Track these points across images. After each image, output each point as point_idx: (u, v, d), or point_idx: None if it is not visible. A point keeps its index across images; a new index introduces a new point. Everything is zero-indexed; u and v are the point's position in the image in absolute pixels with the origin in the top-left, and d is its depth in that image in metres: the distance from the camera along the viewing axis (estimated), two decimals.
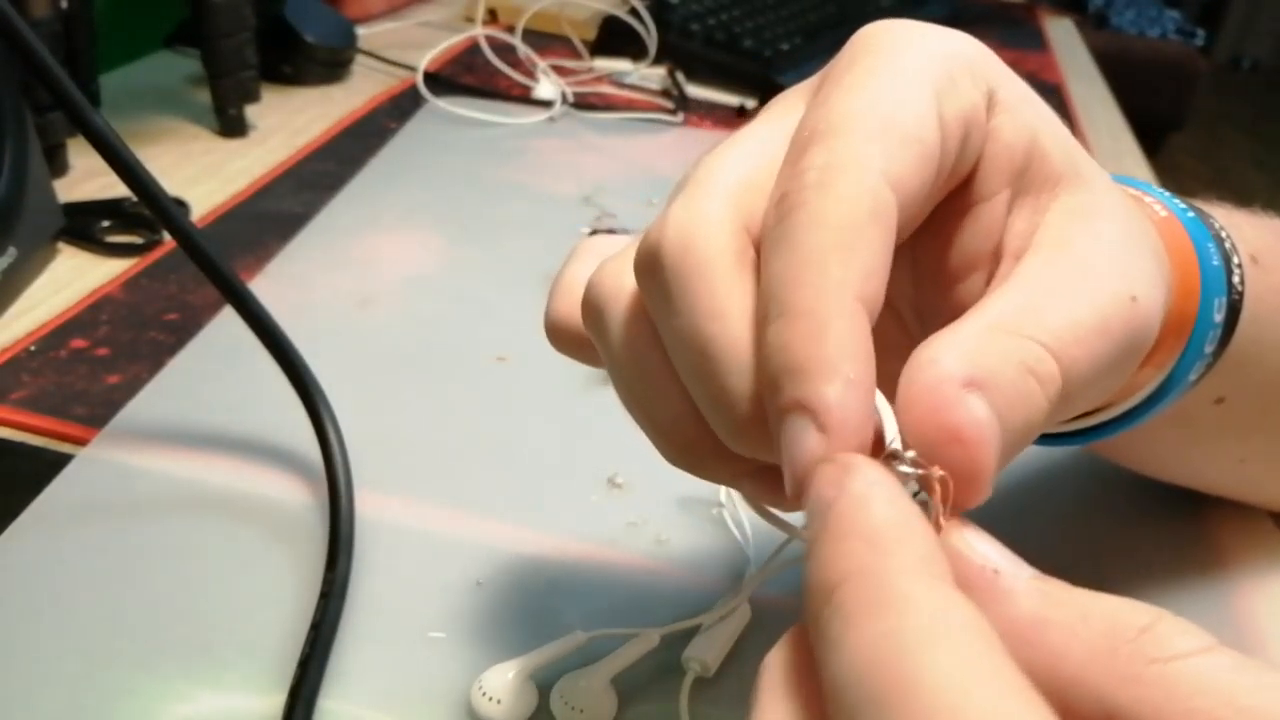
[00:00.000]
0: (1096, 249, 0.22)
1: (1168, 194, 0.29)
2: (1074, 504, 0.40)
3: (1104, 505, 0.41)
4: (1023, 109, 0.23)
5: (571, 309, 0.26)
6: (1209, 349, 0.27)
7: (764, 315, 0.19)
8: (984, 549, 0.17)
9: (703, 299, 0.20)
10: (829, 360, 0.18)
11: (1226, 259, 0.27)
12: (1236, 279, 0.27)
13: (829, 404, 0.18)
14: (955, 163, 0.22)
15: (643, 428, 0.24)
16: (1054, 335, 0.20)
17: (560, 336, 0.28)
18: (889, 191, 0.19)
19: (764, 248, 0.20)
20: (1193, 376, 0.27)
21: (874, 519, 0.16)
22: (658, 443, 0.24)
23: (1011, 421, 0.19)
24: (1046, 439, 0.29)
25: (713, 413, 0.21)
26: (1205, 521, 0.40)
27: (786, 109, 0.23)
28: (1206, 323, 0.26)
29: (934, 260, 0.24)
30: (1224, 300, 0.27)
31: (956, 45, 0.22)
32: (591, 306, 0.24)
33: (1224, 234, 0.28)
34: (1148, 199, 0.28)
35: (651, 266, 0.21)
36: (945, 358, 0.18)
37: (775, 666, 0.17)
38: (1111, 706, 0.15)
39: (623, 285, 0.23)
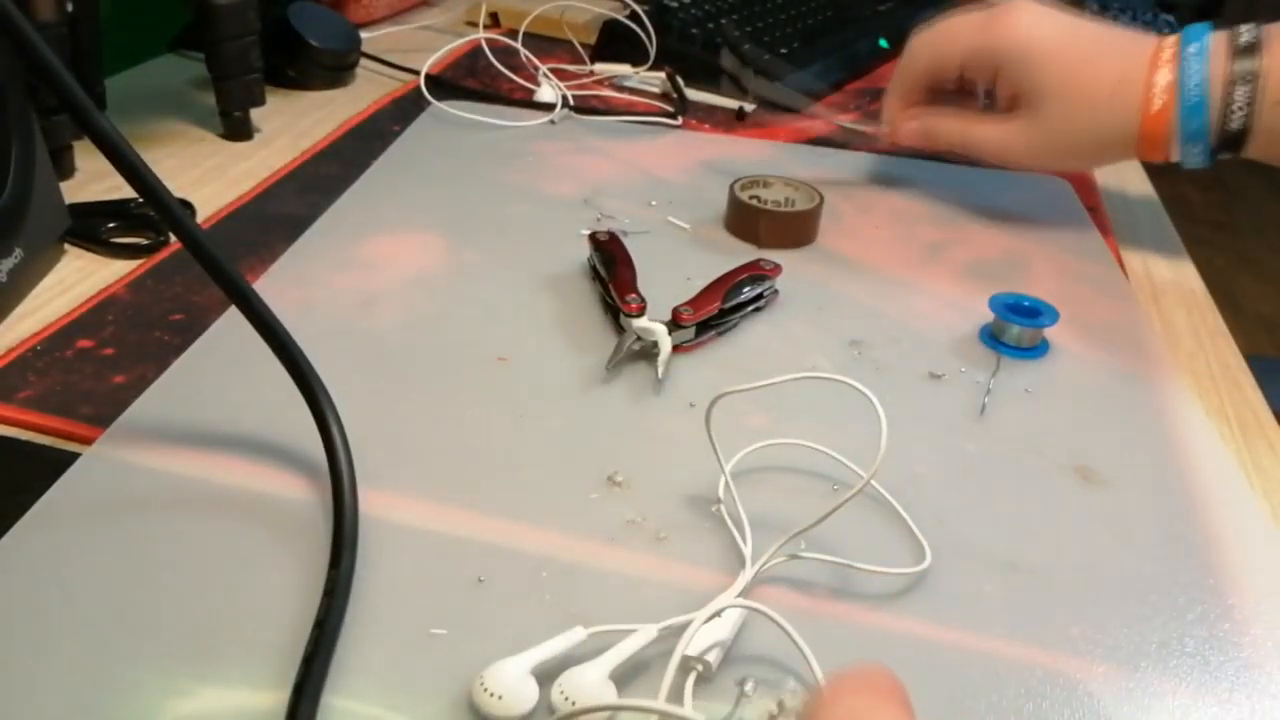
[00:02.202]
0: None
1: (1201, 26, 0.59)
2: (1068, 509, 0.41)
3: (1101, 510, 0.41)
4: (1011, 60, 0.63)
5: None
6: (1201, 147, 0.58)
7: None
8: None
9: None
10: (889, 108, 0.68)
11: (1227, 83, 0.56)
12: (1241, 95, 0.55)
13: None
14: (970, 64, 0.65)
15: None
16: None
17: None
18: (924, 68, 0.65)
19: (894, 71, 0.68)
20: (1199, 161, 0.59)
21: None
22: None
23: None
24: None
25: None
26: (1205, 527, 0.40)
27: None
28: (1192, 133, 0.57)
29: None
30: (1204, 117, 0.57)
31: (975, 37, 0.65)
32: None
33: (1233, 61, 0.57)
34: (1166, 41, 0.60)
35: None
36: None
37: None
38: None
39: None
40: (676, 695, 0.31)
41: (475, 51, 0.89)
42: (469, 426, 0.42)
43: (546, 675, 0.30)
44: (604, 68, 0.86)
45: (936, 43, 0.64)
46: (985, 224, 0.65)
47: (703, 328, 0.49)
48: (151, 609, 0.32)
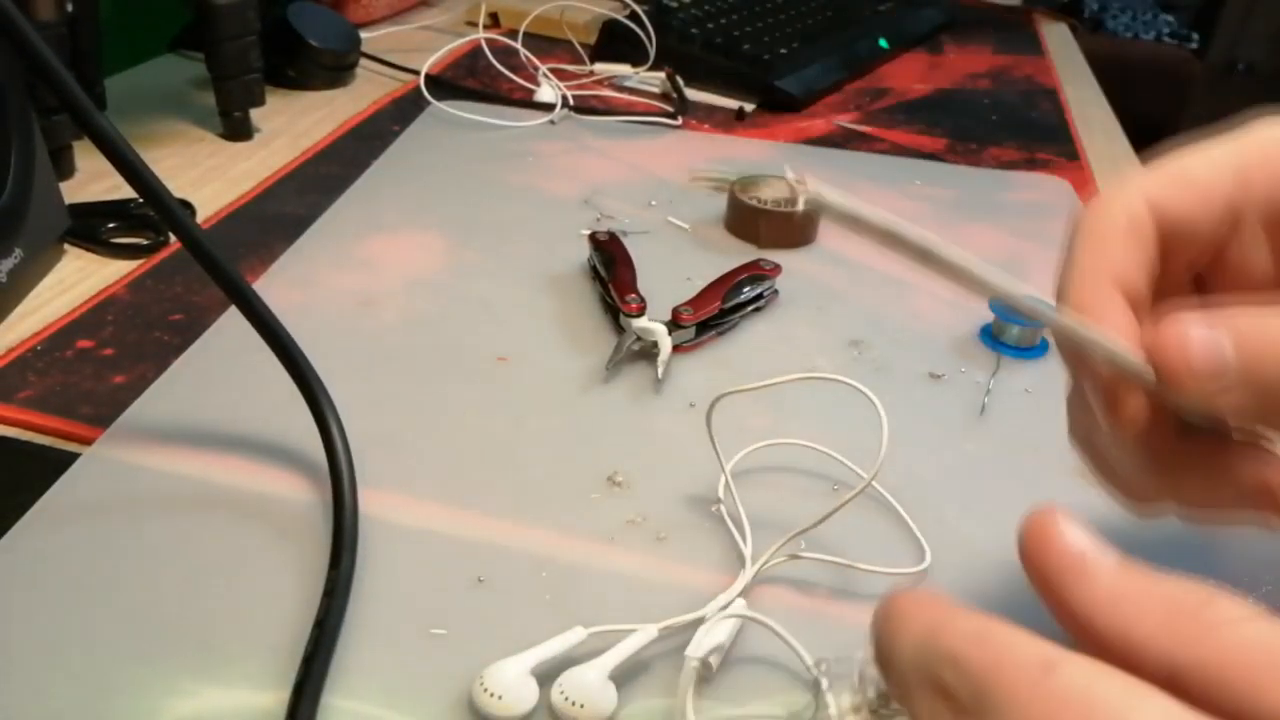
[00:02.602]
0: None
1: None
2: None
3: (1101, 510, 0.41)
4: None
5: None
6: None
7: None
8: (1074, 536, 0.20)
9: None
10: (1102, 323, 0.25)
11: None
12: None
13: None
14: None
15: None
16: None
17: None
18: (1148, 215, 0.27)
19: (1067, 247, 0.29)
20: None
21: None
22: None
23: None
24: None
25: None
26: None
27: None
28: None
29: None
30: None
31: None
32: None
33: None
34: None
35: None
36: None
37: None
38: (1174, 667, 0.18)
39: None
40: (676, 694, 0.31)
41: (475, 51, 0.89)
42: (469, 426, 0.42)
43: (546, 675, 0.30)
44: (604, 68, 0.86)
45: (1169, 191, 0.28)
46: (985, 224, 0.65)
47: (703, 328, 0.49)
48: (151, 609, 0.32)
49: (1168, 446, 0.26)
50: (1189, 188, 0.27)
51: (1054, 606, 0.20)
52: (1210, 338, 0.23)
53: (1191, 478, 0.26)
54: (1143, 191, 0.27)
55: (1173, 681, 0.17)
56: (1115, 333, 0.25)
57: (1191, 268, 0.28)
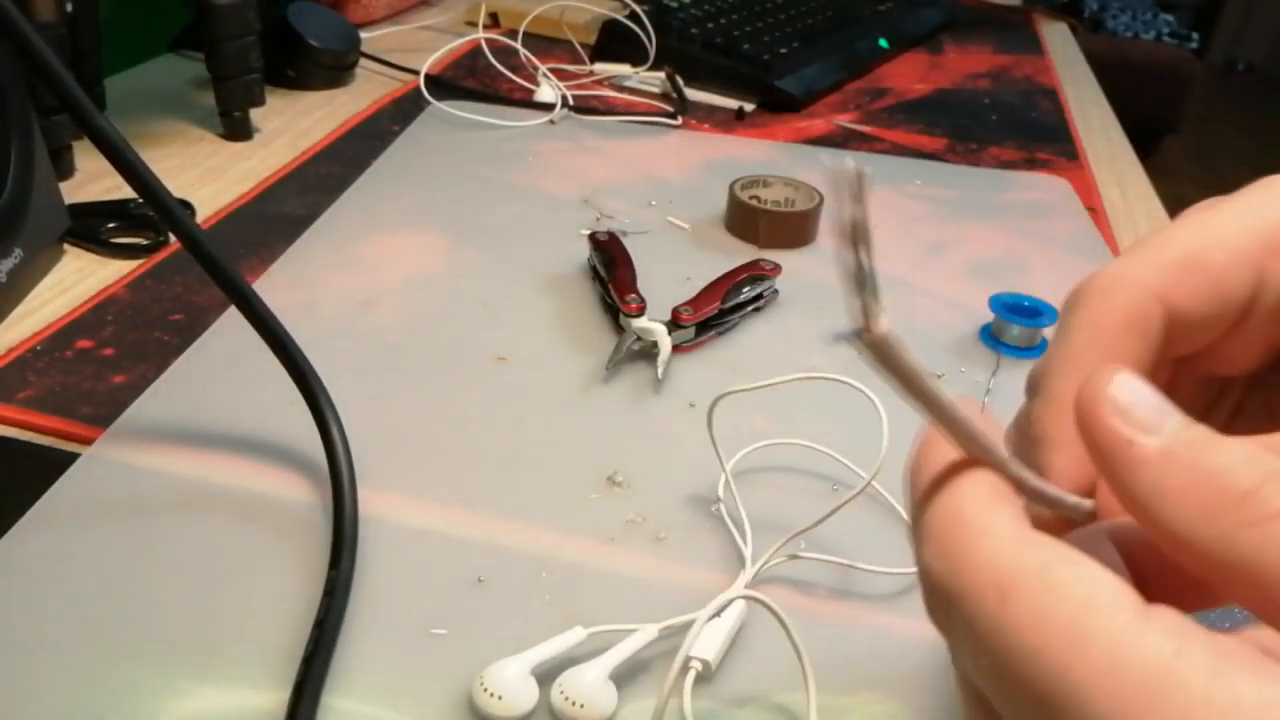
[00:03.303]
0: None
1: None
2: None
3: None
4: None
5: None
6: None
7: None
8: (1122, 408, 0.19)
9: None
10: (1063, 439, 0.22)
11: None
12: None
13: (1053, 472, 0.22)
14: None
15: None
16: None
17: None
18: (1156, 307, 0.23)
19: (1055, 333, 0.25)
20: None
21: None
22: None
23: None
24: None
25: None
26: None
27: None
28: None
29: None
30: None
31: None
32: None
33: None
34: None
35: None
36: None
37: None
38: (1216, 560, 0.17)
39: None
40: (676, 694, 0.31)
41: (475, 51, 0.89)
42: (469, 426, 0.42)
43: (546, 675, 0.30)
44: (604, 68, 0.86)
45: (1180, 284, 0.25)
46: (985, 224, 0.65)
47: (703, 328, 0.49)
48: (151, 609, 0.32)
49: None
50: (1202, 278, 0.24)
51: (1113, 491, 0.19)
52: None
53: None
54: (1150, 283, 0.24)
55: (1224, 575, 0.17)
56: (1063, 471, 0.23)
57: (1180, 355, 0.25)
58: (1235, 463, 0.17)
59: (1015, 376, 0.49)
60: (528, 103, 0.78)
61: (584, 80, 0.85)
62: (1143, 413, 0.19)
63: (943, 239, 0.62)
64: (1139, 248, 0.25)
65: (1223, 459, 0.18)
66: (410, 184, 0.64)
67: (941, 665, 0.33)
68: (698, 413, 0.43)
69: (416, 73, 0.80)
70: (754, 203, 0.60)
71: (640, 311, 0.48)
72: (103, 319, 0.48)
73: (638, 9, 0.85)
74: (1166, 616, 0.17)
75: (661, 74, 0.83)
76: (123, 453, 0.39)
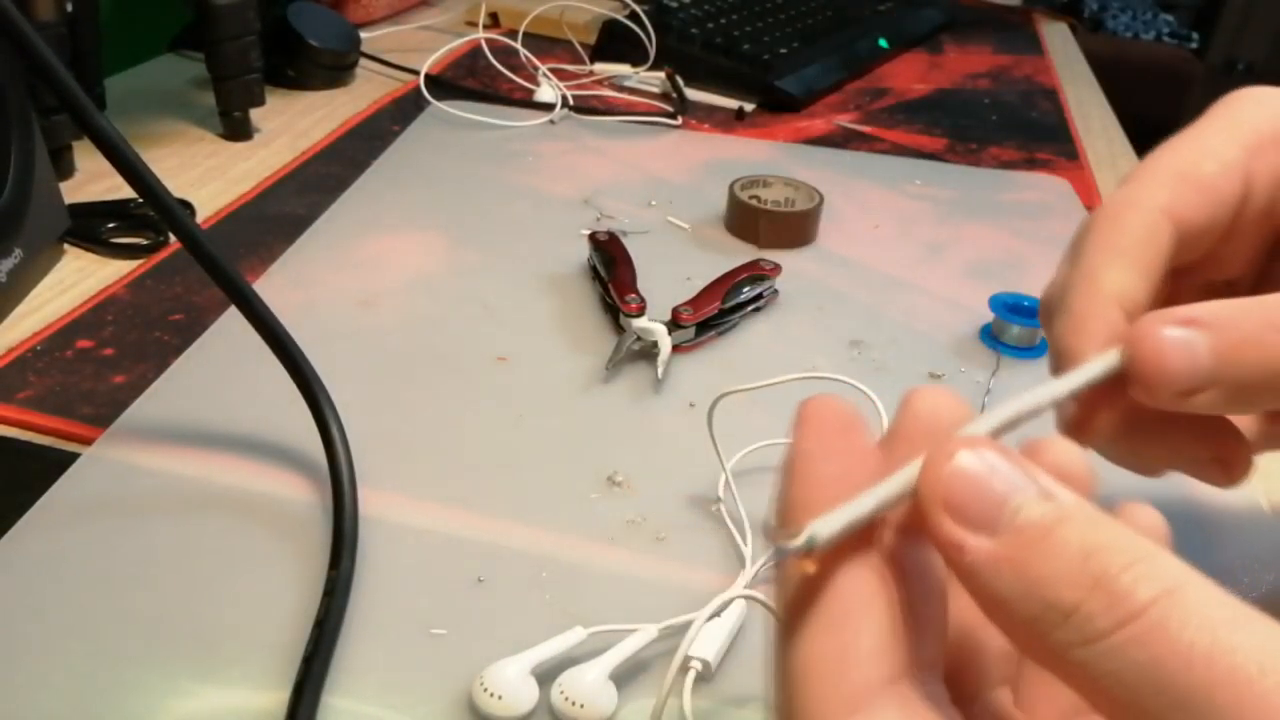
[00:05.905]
0: None
1: None
2: None
3: None
4: None
5: None
6: None
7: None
8: (964, 486, 0.17)
9: None
10: (1080, 350, 0.25)
11: None
12: None
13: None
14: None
15: None
16: None
17: None
18: (1165, 223, 0.25)
19: (1070, 257, 0.27)
20: None
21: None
22: None
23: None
24: None
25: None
26: (1205, 522, 0.40)
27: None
28: None
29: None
30: None
31: None
32: None
33: None
34: None
35: None
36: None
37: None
38: (1059, 672, 0.16)
39: None
40: (676, 694, 0.31)
41: (475, 51, 0.89)
42: (469, 426, 0.42)
43: (546, 675, 0.30)
44: (604, 68, 0.86)
45: (1184, 199, 0.27)
46: (985, 224, 0.65)
47: (703, 328, 0.49)
48: (151, 609, 0.32)
49: (1130, 430, 0.25)
50: (1202, 192, 0.26)
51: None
52: (1184, 340, 0.22)
53: (1151, 449, 0.26)
54: (1158, 201, 0.26)
55: (1071, 685, 0.16)
56: (1092, 351, 0.24)
57: (1179, 266, 0.27)
58: (1062, 570, 0.16)
59: (1015, 376, 0.49)
60: (528, 103, 0.78)
61: (584, 80, 0.85)
62: (977, 506, 0.17)
63: (942, 239, 0.62)
64: (1138, 174, 0.27)
65: (1050, 565, 0.16)
66: (410, 184, 0.64)
67: None
68: (698, 413, 0.43)
69: (416, 73, 0.80)
70: (754, 203, 0.60)
71: (640, 311, 0.48)
72: (103, 319, 0.48)
73: (638, 9, 0.85)
74: None
75: (661, 74, 0.83)
76: (123, 453, 0.39)
